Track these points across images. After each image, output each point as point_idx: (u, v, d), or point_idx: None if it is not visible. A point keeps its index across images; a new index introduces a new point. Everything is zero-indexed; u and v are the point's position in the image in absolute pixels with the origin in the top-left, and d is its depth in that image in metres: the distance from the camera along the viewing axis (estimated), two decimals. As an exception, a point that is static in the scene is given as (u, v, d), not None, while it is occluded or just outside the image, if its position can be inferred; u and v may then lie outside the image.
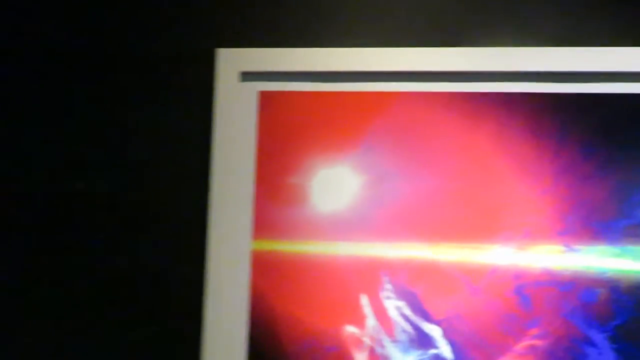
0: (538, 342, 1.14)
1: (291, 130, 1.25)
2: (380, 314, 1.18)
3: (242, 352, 1.20)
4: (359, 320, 1.19)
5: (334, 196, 1.22)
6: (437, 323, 1.17)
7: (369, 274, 1.19)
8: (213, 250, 1.21)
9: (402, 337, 1.18)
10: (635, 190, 1.15)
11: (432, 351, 1.17)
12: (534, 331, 1.15)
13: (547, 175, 1.18)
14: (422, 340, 1.17)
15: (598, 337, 1.13)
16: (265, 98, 1.26)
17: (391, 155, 1.22)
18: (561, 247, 1.16)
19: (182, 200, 1.24)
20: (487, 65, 1.20)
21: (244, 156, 1.24)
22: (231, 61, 1.25)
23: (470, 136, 1.21)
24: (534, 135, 1.19)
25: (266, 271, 1.22)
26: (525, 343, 1.15)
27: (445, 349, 1.16)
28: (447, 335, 1.17)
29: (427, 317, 1.18)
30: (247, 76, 1.25)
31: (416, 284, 1.18)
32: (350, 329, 1.19)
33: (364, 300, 1.19)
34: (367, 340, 1.18)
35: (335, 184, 1.23)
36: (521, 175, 1.18)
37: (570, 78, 1.19)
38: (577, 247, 1.15)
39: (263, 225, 1.23)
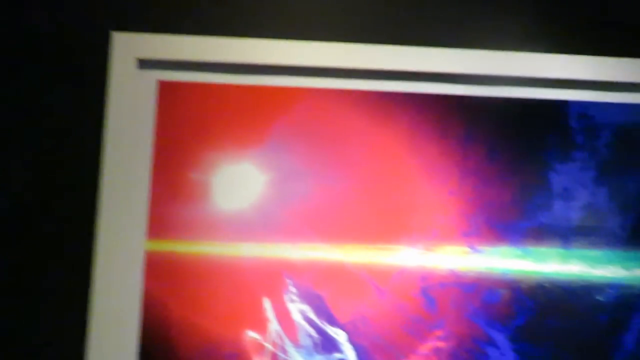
0: (442, 344, 1.08)
1: (192, 124, 1.12)
2: (284, 318, 1.08)
3: (131, 362, 1.07)
4: (261, 325, 1.08)
5: (237, 194, 1.11)
6: (342, 327, 1.08)
7: (272, 277, 1.09)
8: (102, 250, 1.07)
9: (306, 342, 1.08)
10: (537, 193, 1.12)
11: (337, 356, 1.08)
12: (439, 332, 1.09)
13: (454, 177, 1.12)
14: (327, 345, 1.08)
15: (499, 337, 1.09)
16: (165, 88, 1.13)
17: (298, 153, 1.12)
18: (466, 249, 1.11)
19: (70, 195, 1.09)
20: (398, 65, 1.12)
21: (140, 149, 1.11)
22: (128, 46, 1.11)
23: (379, 136, 1.13)
24: (442, 137, 1.13)
25: (161, 274, 1.08)
26: (429, 344, 1.08)
27: (350, 354, 1.08)
28: (352, 339, 1.08)
29: (333, 321, 1.08)
30: (145, 63, 1.12)
31: (321, 287, 1.09)
32: (251, 334, 1.07)
33: (267, 304, 1.08)
34: (268, 346, 1.07)
35: (238, 182, 1.11)
36: (429, 177, 1.12)
37: (477, 81, 1.14)
38: (481, 248, 1.11)
39: (159, 224, 1.10)
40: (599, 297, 1.11)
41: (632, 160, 1.14)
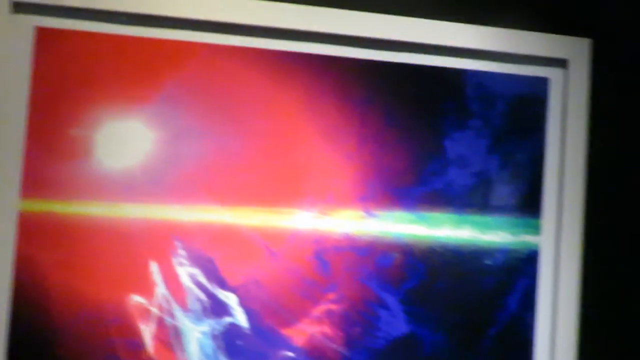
0: (334, 306, 1.06)
1: (74, 76, 1.02)
2: (172, 281, 1.02)
3: (1, 331, 0.97)
4: (147, 289, 1.01)
5: (123, 152, 1.03)
6: (234, 290, 1.04)
7: (160, 239, 1.02)
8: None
9: (195, 306, 1.02)
10: (432, 159, 1.11)
11: (227, 320, 1.03)
12: (331, 295, 1.06)
13: (352, 140, 1.09)
14: (217, 309, 1.03)
15: (391, 300, 1.08)
16: (44, 35, 1.02)
17: (191, 111, 1.04)
18: (361, 213, 1.08)
19: None
20: (297, 24, 1.06)
21: (14, 101, 1.00)
22: (0, -13, 1.00)
23: (276, 97, 1.07)
24: (341, 100, 1.09)
25: (37, 235, 0.99)
26: (322, 307, 1.06)
27: (240, 317, 1.03)
28: (243, 302, 1.04)
29: (223, 284, 1.03)
30: (21, 7, 1.00)
31: (212, 250, 1.03)
32: (137, 298, 1.01)
33: (154, 268, 1.02)
34: (155, 310, 1.01)
35: (124, 139, 1.03)
36: (326, 140, 1.08)
37: (378, 45, 1.10)
38: (376, 212, 1.08)
39: (35, 182, 1.00)
40: (488, 261, 1.12)
41: (524, 131, 1.14)
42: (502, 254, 1.12)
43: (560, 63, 1.15)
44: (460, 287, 1.10)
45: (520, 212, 1.13)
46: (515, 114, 1.14)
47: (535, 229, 1.13)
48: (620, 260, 1.16)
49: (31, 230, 0.99)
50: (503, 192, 1.14)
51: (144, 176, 1.02)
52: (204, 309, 1.03)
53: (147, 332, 1.01)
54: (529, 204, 1.13)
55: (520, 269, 1.12)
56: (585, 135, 1.15)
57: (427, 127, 1.11)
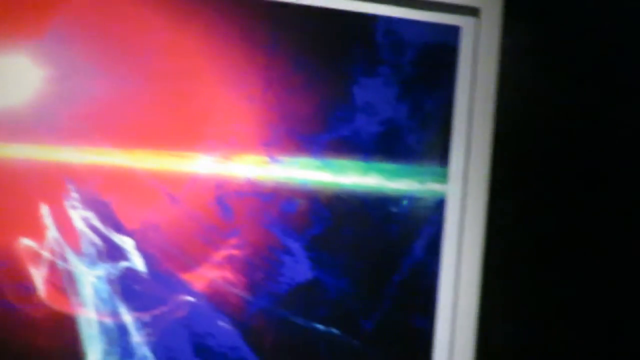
0: (237, 252, 1.07)
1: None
2: (64, 225, 1.01)
3: None
4: (38, 232, 1.00)
5: (9, 90, 0.99)
6: (130, 234, 1.04)
7: (51, 181, 1.00)
8: None
9: (89, 250, 1.02)
10: (339, 106, 1.12)
11: (123, 264, 1.04)
12: (234, 241, 1.08)
13: (257, 84, 1.08)
14: (112, 253, 1.03)
15: (295, 245, 1.10)
16: None
17: (83, 49, 1.02)
18: (265, 158, 1.09)
19: None
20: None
21: None
22: None
23: (175, 35, 1.05)
24: (246, 42, 1.08)
25: None
26: (223, 252, 1.07)
27: (137, 261, 1.04)
28: (140, 246, 1.04)
29: (119, 228, 1.03)
30: None
31: (108, 193, 1.03)
32: (26, 241, 1.00)
33: (44, 210, 1.01)
34: (46, 254, 1.01)
35: (10, 76, 0.99)
36: (229, 82, 1.07)
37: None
38: (280, 158, 1.09)
39: None
40: (394, 209, 1.14)
41: (434, 79, 1.16)
42: (408, 201, 1.15)
43: (472, 11, 1.16)
44: (366, 234, 1.13)
45: (427, 160, 1.16)
46: (425, 62, 1.15)
47: (442, 177, 1.16)
48: (525, 209, 1.21)
49: None
50: (411, 140, 1.15)
51: (33, 116, 1.00)
52: (99, 253, 1.03)
53: (39, 276, 1.00)
54: (436, 153, 1.16)
55: (427, 216, 1.15)
56: (495, 85, 1.18)
57: (334, 73, 1.11)
